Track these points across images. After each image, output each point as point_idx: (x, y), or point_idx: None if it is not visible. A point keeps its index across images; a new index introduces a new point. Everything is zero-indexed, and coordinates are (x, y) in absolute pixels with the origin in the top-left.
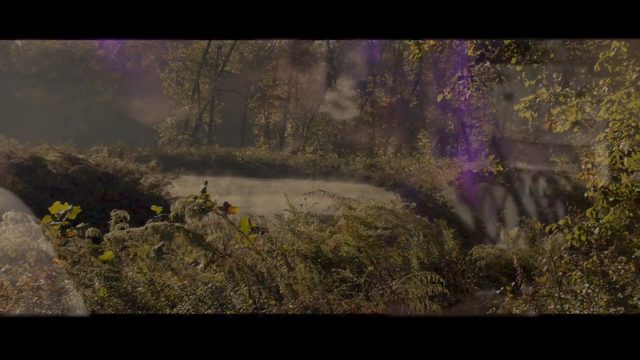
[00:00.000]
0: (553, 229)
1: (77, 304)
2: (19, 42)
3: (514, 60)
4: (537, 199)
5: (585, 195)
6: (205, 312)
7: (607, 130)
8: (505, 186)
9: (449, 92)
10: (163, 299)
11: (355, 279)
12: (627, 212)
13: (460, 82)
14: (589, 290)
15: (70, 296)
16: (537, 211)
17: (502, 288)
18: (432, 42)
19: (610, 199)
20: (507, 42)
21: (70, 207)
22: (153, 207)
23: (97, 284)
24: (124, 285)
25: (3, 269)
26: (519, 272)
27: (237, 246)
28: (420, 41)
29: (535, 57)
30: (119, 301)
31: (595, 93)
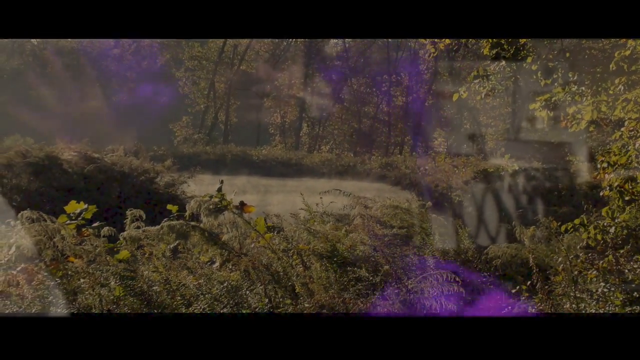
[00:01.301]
0: (569, 228)
1: (92, 303)
2: (34, 41)
3: (529, 59)
4: (553, 197)
5: (601, 194)
6: (221, 312)
7: (622, 129)
8: (520, 185)
9: (464, 91)
10: (179, 298)
11: (371, 278)
12: None
13: (476, 81)
14: (605, 290)
15: (86, 295)
16: (552, 210)
17: (517, 287)
18: (447, 40)
19: (626, 198)
20: (522, 40)
21: (86, 206)
22: (169, 206)
23: (112, 282)
24: (139, 285)
25: (19, 268)
26: (534, 271)
27: (252, 245)
28: (435, 39)
29: (551, 56)
30: (135, 300)
31: (611, 92)
